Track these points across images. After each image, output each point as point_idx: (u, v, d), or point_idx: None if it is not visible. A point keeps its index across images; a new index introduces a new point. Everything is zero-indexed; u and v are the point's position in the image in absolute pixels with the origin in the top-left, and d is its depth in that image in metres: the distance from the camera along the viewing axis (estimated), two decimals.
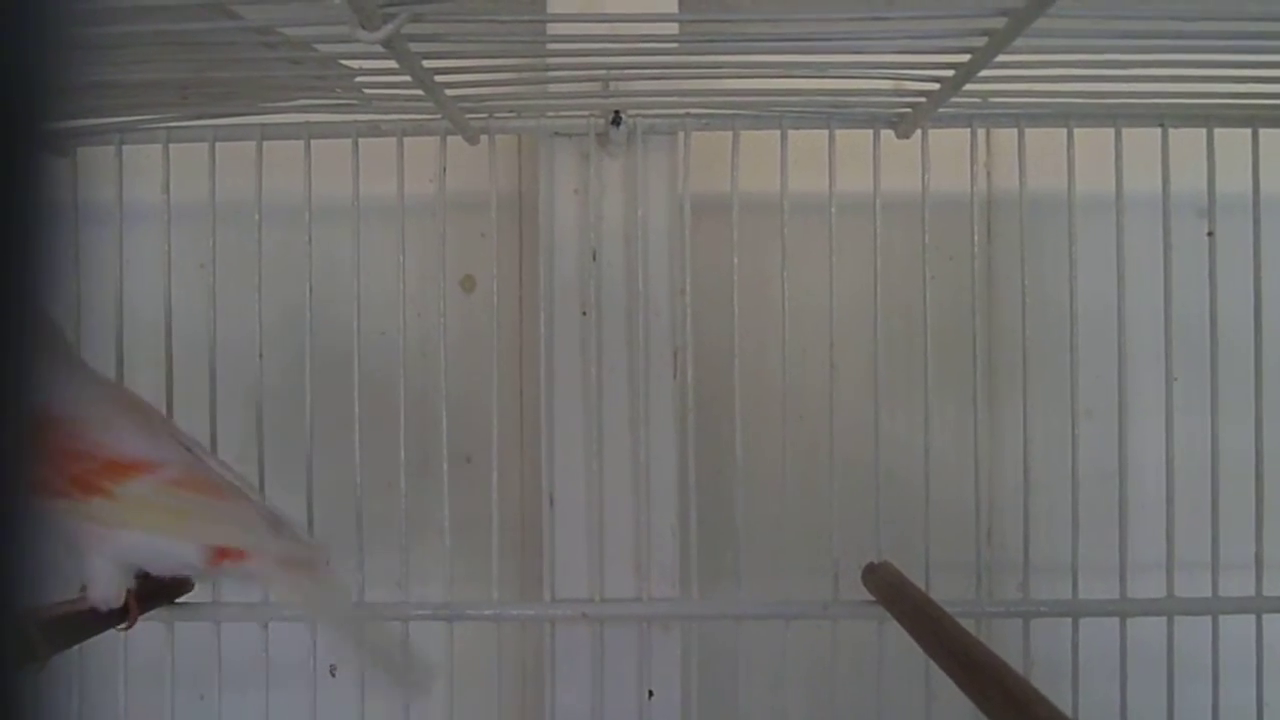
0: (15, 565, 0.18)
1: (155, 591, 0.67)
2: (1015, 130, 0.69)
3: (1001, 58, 0.53)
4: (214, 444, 0.70)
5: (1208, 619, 0.68)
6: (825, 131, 0.69)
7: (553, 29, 0.60)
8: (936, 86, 0.60)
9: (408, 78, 0.55)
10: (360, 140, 0.69)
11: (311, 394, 0.69)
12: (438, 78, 0.57)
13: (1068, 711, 0.42)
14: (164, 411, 0.69)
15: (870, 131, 0.69)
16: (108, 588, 0.56)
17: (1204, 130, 0.69)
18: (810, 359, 0.73)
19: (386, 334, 0.77)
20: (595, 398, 0.70)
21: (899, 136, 0.69)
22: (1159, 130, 0.69)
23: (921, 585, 0.64)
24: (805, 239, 0.72)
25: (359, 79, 0.60)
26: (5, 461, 0.18)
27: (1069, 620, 0.68)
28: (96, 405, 0.57)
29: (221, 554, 0.57)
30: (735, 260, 0.69)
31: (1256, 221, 0.69)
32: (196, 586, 0.69)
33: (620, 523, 0.71)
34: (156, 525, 0.56)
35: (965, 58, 0.55)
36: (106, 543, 0.55)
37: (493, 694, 0.70)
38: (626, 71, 0.62)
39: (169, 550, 0.56)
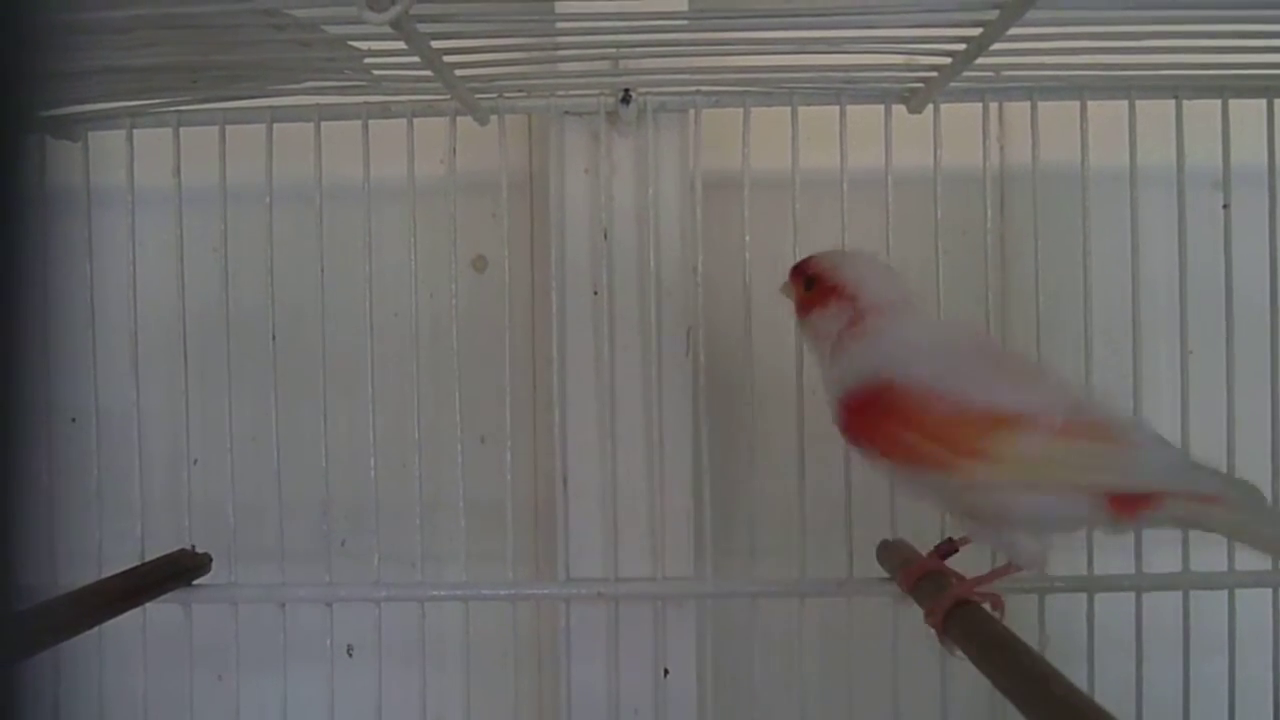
0: (13, 553, 0.18)
1: (172, 574, 0.67)
2: (1028, 104, 0.68)
3: (1013, 31, 0.53)
4: (229, 425, 0.70)
5: (1224, 593, 0.68)
6: (836, 107, 0.69)
7: (561, 7, 0.60)
8: (948, 60, 0.60)
9: (416, 59, 0.55)
10: (370, 122, 0.69)
11: (325, 375, 0.69)
12: (446, 58, 0.57)
13: (1083, 687, 0.42)
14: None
15: (882, 107, 0.69)
16: (1034, 550, 0.55)
17: (1219, 101, 0.68)
18: None
19: (399, 315, 0.77)
20: (608, 377, 0.70)
21: (911, 111, 0.68)
22: (1173, 102, 0.68)
23: None
24: (817, 215, 0.71)
25: (368, 60, 0.60)
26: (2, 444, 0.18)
27: (1084, 595, 0.68)
28: (964, 361, 0.56)
29: (1126, 503, 0.53)
30: (747, 237, 0.68)
31: (1272, 193, 0.68)
32: (214, 568, 0.70)
33: (634, 501, 0.71)
34: (1019, 474, 0.53)
35: (977, 31, 0.54)
36: (1009, 506, 0.54)
37: (509, 673, 0.71)
38: (636, 49, 0.62)
39: (1065, 505, 0.54)
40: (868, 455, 0.55)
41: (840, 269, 0.59)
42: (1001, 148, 0.78)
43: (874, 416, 0.54)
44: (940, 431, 0.53)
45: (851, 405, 0.55)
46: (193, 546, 0.70)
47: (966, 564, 0.61)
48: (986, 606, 0.56)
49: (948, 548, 0.62)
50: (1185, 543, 0.68)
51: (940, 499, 0.58)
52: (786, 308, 0.68)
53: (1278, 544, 0.57)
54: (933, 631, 0.56)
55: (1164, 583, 0.68)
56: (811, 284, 0.60)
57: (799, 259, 0.62)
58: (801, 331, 0.62)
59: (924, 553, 0.63)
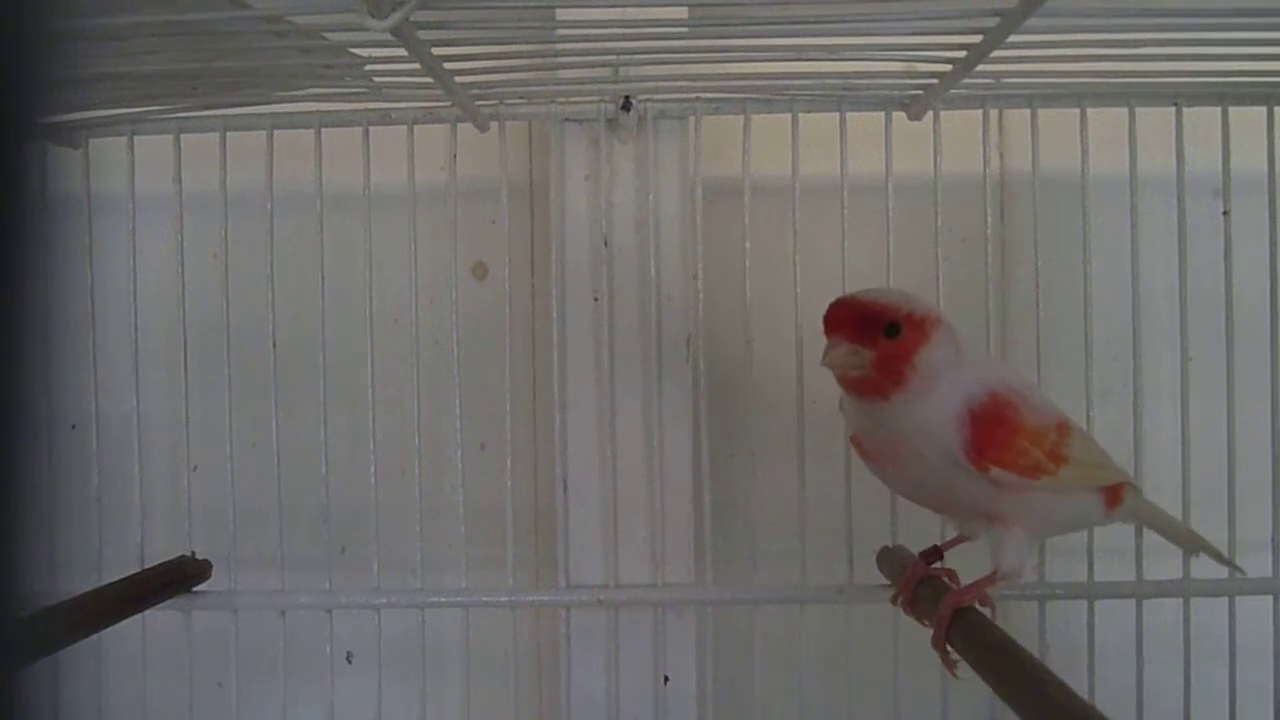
0: (17, 561, 0.18)
1: (172, 580, 0.67)
2: (1028, 111, 0.68)
3: (1013, 38, 0.53)
4: (229, 432, 0.70)
5: (1224, 600, 0.68)
6: (836, 114, 0.69)
7: (562, 14, 0.60)
8: (948, 68, 0.60)
9: (417, 65, 0.55)
10: (371, 129, 0.69)
11: (325, 382, 0.69)
12: (447, 65, 0.57)
13: (1083, 694, 0.42)
14: (184, 401, 0.70)
15: (882, 114, 0.69)
16: (1025, 559, 0.55)
17: (1219, 109, 0.68)
18: (823, 343, 0.73)
19: (399, 321, 0.77)
20: (608, 383, 0.70)
21: (911, 118, 0.68)
22: (1173, 109, 0.68)
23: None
24: (817, 222, 0.71)
25: (369, 67, 0.60)
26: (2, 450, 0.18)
27: (1085, 603, 0.68)
28: (1011, 378, 0.56)
29: (1113, 495, 0.57)
30: (747, 244, 0.68)
31: (1272, 200, 0.68)
32: (214, 575, 0.70)
33: (634, 508, 0.71)
34: (1085, 479, 0.55)
35: (977, 38, 0.54)
36: (1038, 512, 0.55)
37: (509, 679, 0.70)
38: (636, 56, 0.62)
39: (1085, 505, 0.56)
40: (990, 476, 0.53)
41: (918, 303, 0.54)
42: (1002, 155, 0.78)
43: (1004, 431, 0.53)
44: (1040, 440, 0.54)
45: (979, 423, 0.53)
46: (193, 553, 0.70)
47: (967, 568, 0.61)
48: (976, 605, 0.56)
49: (934, 554, 0.62)
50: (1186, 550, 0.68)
51: (978, 510, 0.56)
52: (786, 311, 0.68)
53: (1170, 527, 0.63)
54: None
55: (1165, 590, 0.68)
56: (896, 329, 0.53)
57: (829, 314, 0.55)
58: (902, 375, 0.53)
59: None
